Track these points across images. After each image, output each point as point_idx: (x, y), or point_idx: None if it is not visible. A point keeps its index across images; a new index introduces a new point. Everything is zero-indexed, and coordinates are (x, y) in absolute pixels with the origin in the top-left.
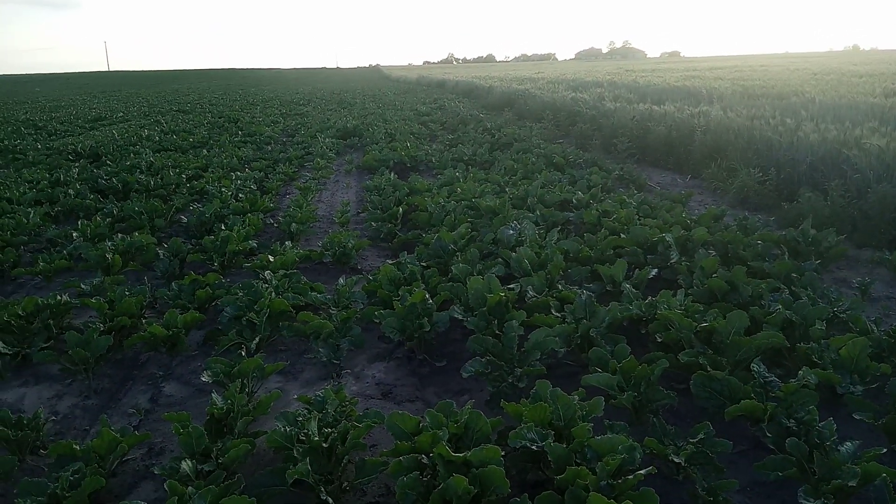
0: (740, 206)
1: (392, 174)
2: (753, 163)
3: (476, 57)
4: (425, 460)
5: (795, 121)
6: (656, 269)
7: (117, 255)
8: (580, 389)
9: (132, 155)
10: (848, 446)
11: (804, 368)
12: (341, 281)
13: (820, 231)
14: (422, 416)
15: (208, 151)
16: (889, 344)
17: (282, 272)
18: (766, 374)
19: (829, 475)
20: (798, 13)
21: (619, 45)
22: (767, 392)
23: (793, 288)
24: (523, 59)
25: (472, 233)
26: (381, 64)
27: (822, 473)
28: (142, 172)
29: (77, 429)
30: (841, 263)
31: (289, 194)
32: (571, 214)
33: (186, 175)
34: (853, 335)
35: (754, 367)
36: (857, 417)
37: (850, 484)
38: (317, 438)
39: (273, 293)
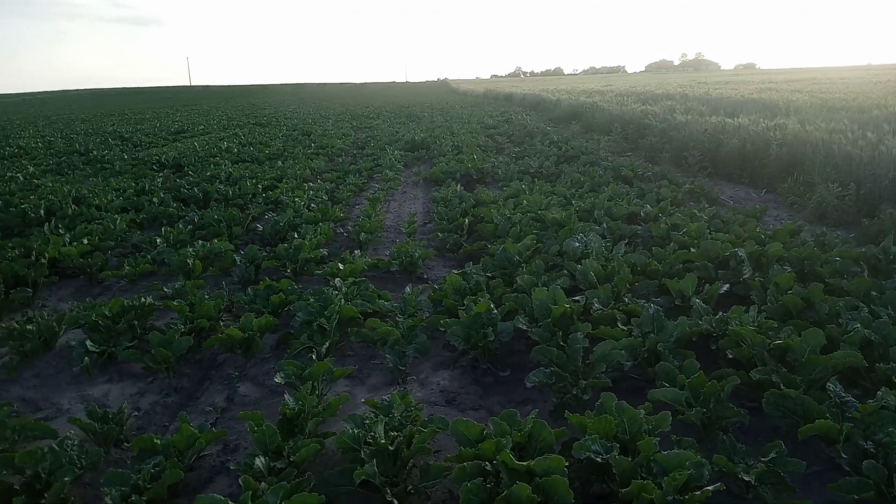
0: (818, 221)
1: (458, 186)
2: (832, 177)
3: (544, 70)
4: (489, 467)
5: (877, 135)
6: (728, 285)
7: (197, 261)
8: (646, 403)
9: (212, 166)
10: None
11: (883, 389)
12: (408, 289)
13: None
14: (485, 424)
15: (283, 163)
16: None
17: (351, 280)
18: (843, 394)
19: None
20: (881, 23)
21: (691, 56)
22: (843, 412)
23: (872, 306)
24: (592, 71)
25: (538, 244)
26: (449, 78)
27: None
28: (221, 182)
29: (157, 424)
30: None
31: (358, 205)
32: (639, 228)
33: (262, 185)
34: None
35: (830, 386)
36: None
37: None
38: (383, 441)
39: (342, 300)
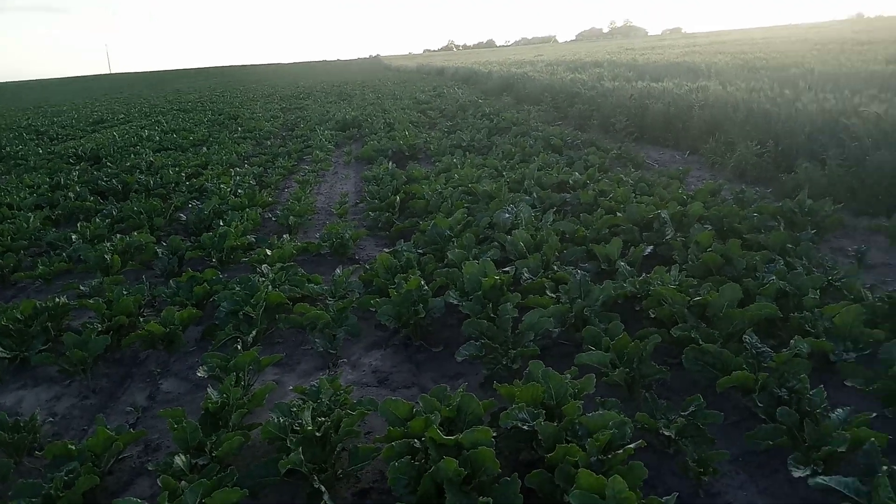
0: (738, 179)
1: (390, 163)
2: (752, 136)
3: (476, 43)
4: (418, 445)
5: (794, 92)
6: (652, 246)
7: (116, 256)
8: (573, 368)
9: (132, 155)
10: (839, 413)
11: (796, 338)
12: (338, 271)
13: (817, 201)
14: (415, 402)
15: (208, 149)
16: (883, 310)
17: (279, 265)
18: (759, 345)
19: (818, 442)
20: None
21: (619, 24)
22: (760, 363)
23: (788, 259)
24: (524, 42)
25: (469, 218)
26: (381, 54)
27: (813, 441)
28: (141, 172)
29: (75, 429)
30: (838, 232)
31: (288, 188)
32: (568, 196)
33: (186, 173)
34: (847, 303)
35: (746, 338)
36: (849, 384)
37: (839, 450)
38: (310, 428)
39: (269, 286)
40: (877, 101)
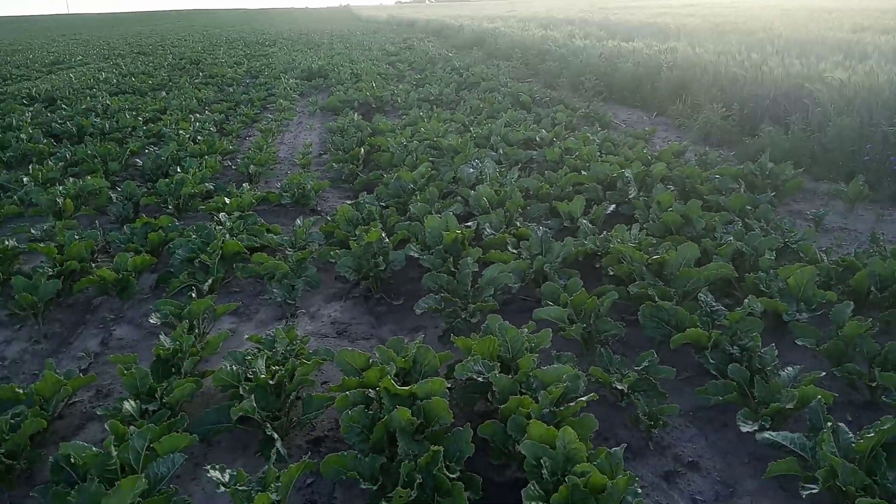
0: (703, 141)
1: (357, 115)
2: (718, 98)
3: None
4: (372, 395)
5: (761, 56)
6: (614, 205)
7: (68, 200)
8: (531, 323)
9: (88, 98)
10: (788, 371)
11: (750, 297)
12: (298, 222)
13: (778, 165)
14: (372, 353)
15: (167, 94)
16: (837, 272)
17: (237, 214)
18: (713, 304)
19: (767, 399)
20: None
21: None
22: (713, 321)
23: (747, 220)
24: None
25: (433, 172)
26: (352, 4)
27: (762, 397)
28: (97, 116)
29: (26, 373)
30: (798, 196)
31: (250, 136)
32: (535, 153)
33: (143, 118)
34: (802, 265)
35: (701, 296)
36: (800, 343)
37: (787, 406)
38: (263, 376)
39: (227, 235)
40: (841, 69)
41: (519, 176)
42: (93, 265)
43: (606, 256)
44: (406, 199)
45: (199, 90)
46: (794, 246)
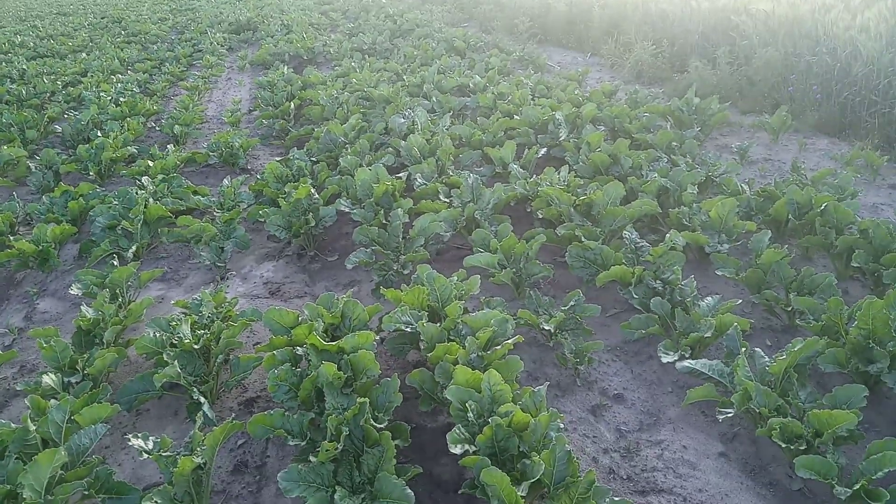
0: (636, 80)
1: (287, 68)
2: (649, 36)
3: None
4: (301, 352)
5: None
6: (545, 149)
7: None
8: (461, 271)
9: (3, 64)
10: (708, 301)
11: (672, 231)
12: (226, 182)
13: (704, 100)
14: (300, 310)
15: (88, 55)
16: (758, 203)
17: (160, 177)
18: (638, 241)
19: (687, 329)
20: None
21: None
22: (638, 257)
23: (673, 157)
24: None
25: (364, 124)
26: None
27: (682, 328)
28: (13, 82)
29: None
30: (725, 130)
31: (176, 96)
32: (468, 100)
33: (63, 82)
34: (724, 197)
35: (626, 234)
36: (719, 273)
37: (706, 335)
38: (188, 341)
39: (149, 199)
40: (766, 0)
41: (451, 124)
42: (11, 238)
43: (536, 200)
44: (337, 152)
45: (122, 49)
46: (717, 179)
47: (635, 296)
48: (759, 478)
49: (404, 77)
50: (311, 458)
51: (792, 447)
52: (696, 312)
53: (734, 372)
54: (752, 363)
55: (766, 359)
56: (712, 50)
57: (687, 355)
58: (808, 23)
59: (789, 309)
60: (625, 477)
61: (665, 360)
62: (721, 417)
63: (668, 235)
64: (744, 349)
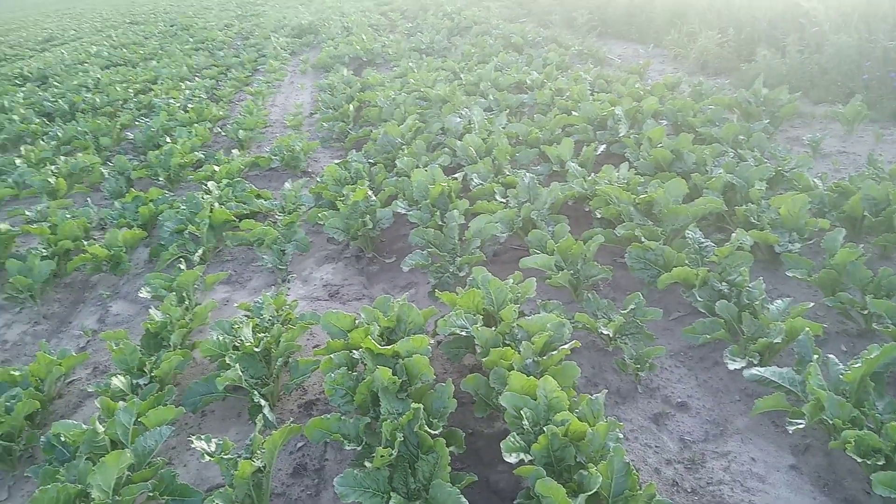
0: (700, 71)
1: (347, 70)
2: (714, 24)
3: None
4: (357, 356)
5: None
6: (605, 145)
7: (61, 179)
8: (517, 273)
9: (80, 73)
10: (778, 304)
11: (738, 230)
12: (287, 185)
13: (773, 90)
14: (357, 314)
15: (158, 62)
16: (831, 199)
17: (225, 182)
18: (702, 240)
19: (755, 334)
20: None
21: None
22: (702, 258)
23: (739, 151)
24: None
25: (420, 124)
26: None
27: (750, 333)
28: (89, 91)
29: (28, 355)
30: (795, 122)
31: (241, 101)
32: (525, 96)
33: (134, 90)
34: (794, 193)
35: (689, 233)
36: (790, 275)
37: (775, 341)
38: (249, 343)
39: (215, 203)
40: None
41: (508, 122)
42: (84, 243)
43: (594, 199)
44: (394, 154)
45: (190, 56)
46: (787, 174)
47: (699, 298)
48: (834, 493)
49: (461, 75)
50: (367, 464)
51: (869, 462)
52: (764, 316)
53: (806, 380)
54: (826, 371)
55: (841, 366)
56: (781, 38)
57: (755, 362)
58: (885, 5)
59: (865, 312)
60: (689, 490)
61: (732, 366)
62: (792, 429)
63: (734, 235)
64: (816, 356)
